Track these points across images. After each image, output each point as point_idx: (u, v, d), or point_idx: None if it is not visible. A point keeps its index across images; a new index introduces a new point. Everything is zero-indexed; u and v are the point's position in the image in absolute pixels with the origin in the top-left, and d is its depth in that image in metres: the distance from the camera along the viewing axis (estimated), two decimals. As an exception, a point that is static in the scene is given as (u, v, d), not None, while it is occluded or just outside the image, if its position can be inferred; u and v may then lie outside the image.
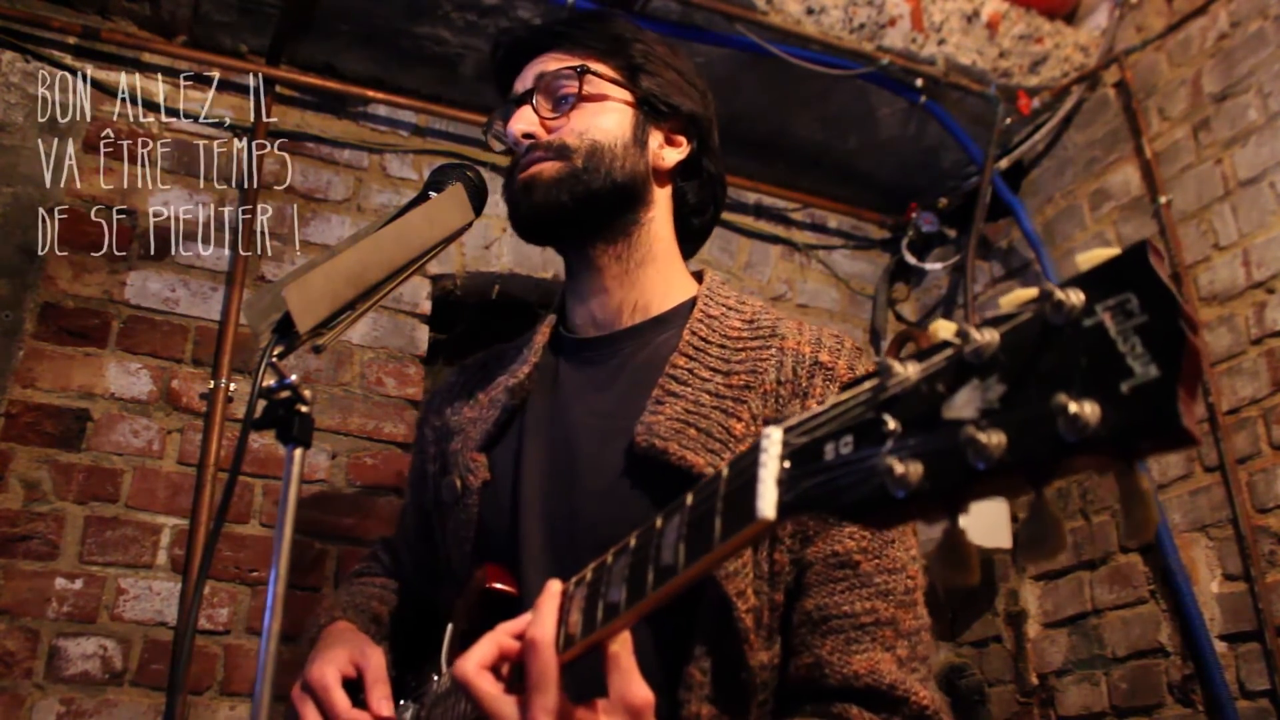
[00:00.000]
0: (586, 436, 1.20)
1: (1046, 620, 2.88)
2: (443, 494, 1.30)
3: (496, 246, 2.86)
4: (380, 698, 1.16)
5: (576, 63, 1.28)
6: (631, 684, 0.82)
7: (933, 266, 3.32)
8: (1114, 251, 0.49)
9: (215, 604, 2.32)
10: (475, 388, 1.39)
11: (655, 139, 1.30)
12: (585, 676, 0.85)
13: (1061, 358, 0.49)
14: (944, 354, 0.55)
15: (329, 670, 1.17)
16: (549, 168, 1.24)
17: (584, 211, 1.25)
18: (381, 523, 2.49)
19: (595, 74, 1.27)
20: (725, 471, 0.68)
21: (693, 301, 1.27)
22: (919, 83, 2.95)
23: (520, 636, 0.87)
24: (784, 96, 2.98)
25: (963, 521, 0.55)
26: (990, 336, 0.52)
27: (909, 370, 0.56)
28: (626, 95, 1.29)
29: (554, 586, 0.87)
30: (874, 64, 2.87)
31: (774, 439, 0.63)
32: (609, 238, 1.28)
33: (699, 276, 1.34)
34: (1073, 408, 0.46)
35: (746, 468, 0.65)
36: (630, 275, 1.28)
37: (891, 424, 0.55)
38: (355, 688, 1.18)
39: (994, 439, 0.49)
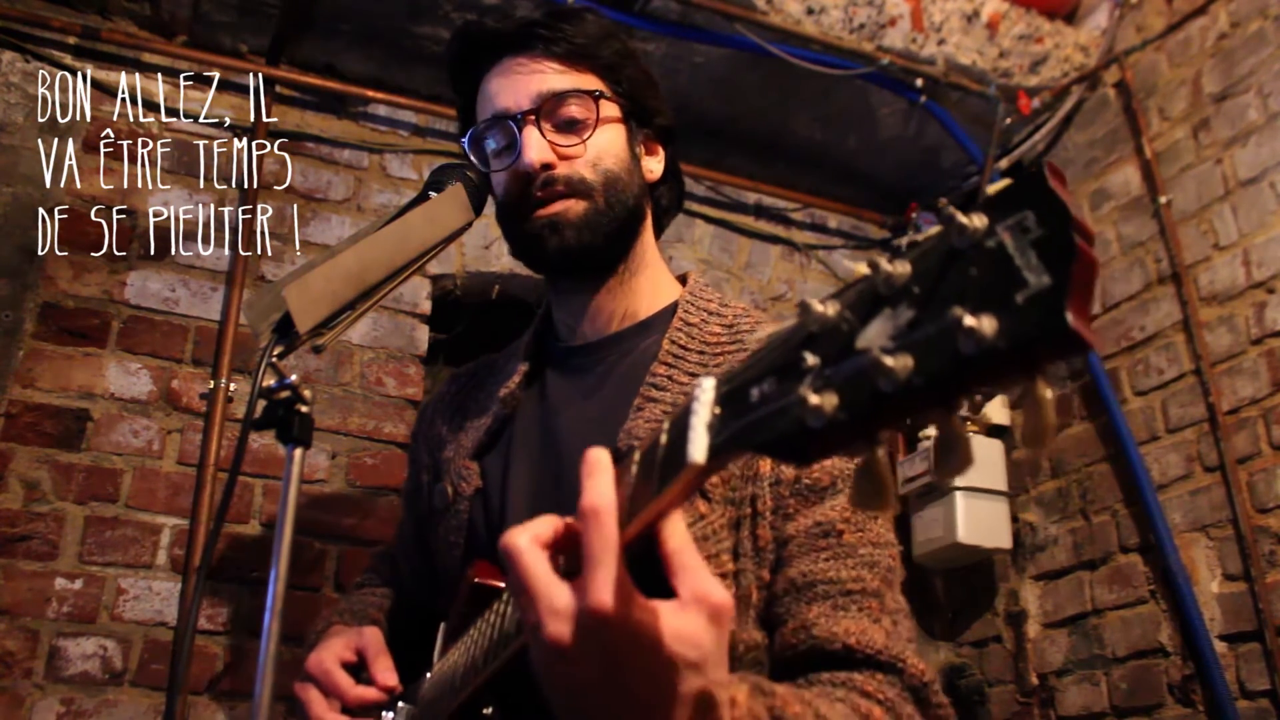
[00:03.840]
0: (573, 443, 1.21)
1: (1046, 620, 2.88)
2: (435, 501, 1.31)
3: (496, 246, 2.86)
4: (383, 669, 1.16)
5: (589, 84, 1.24)
6: (707, 579, 0.71)
7: (933, 266, 3.32)
8: (1013, 179, 0.51)
9: (215, 604, 2.32)
10: (467, 397, 1.40)
11: (639, 151, 1.30)
12: None
13: (963, 278, 0.50)
14: (857, 288, 0.57)
15: (326, 656, 1.18)
16: (575, 207, 1.21)
17: (612, 248, 1.24)
18: (381, 523, 2.49)
19: (606, 97, 1.24)
20: (665, 425, 0.70)
21: (675, 305, 1.27)
22: (919, 83, 2.95)
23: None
24: (784, 96, 2.98)
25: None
26: (901, 267, 0.54)
27: (827, 308, 0.57)
28: (618, 111, 1.27)
29: (602, 456, 0.74)
30: (874, 64, 2.87)
31: (706, 388, 0.65)
32: (614, 260, 1.28)
33: (684, 279, 1.34)
34: (968, 321, 0.48)
35: (681, 418, 0.67)
36: (623, 286, 1.28)
37: (810, 360, 0.57)
38: (357, 673, 1.18)
39: (901, 362, 0.51)
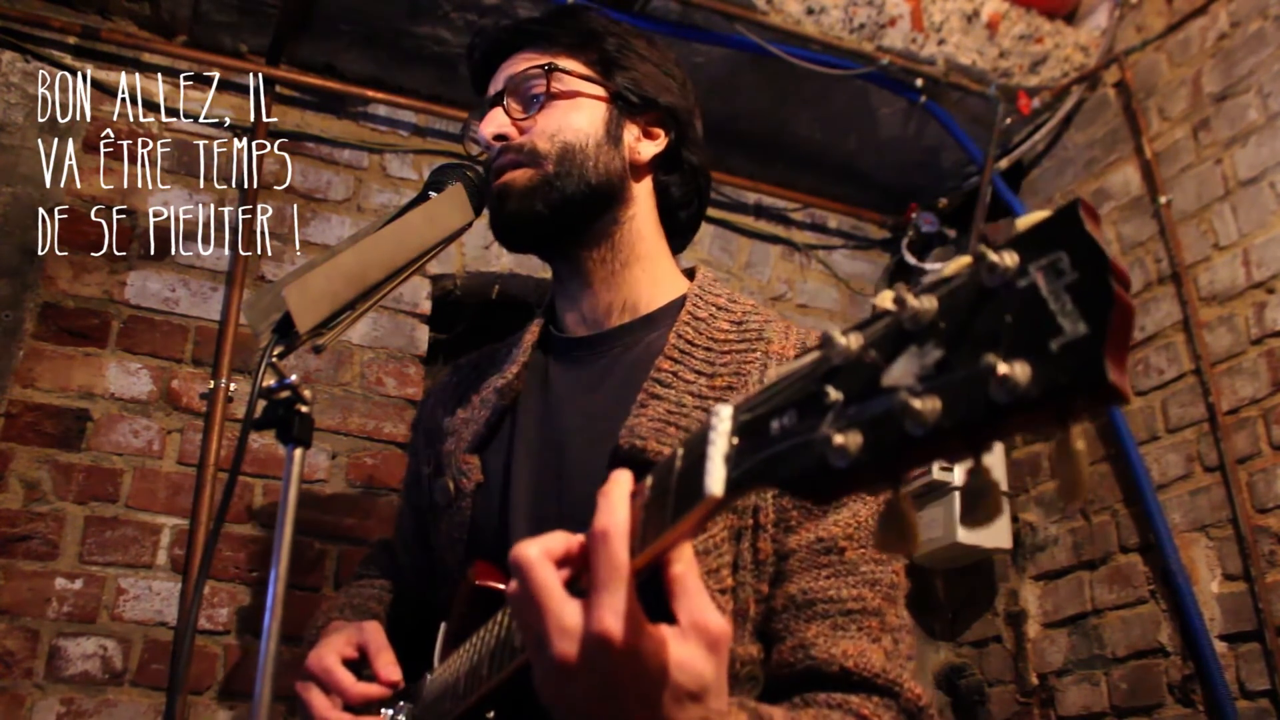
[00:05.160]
0: (575, 438, 1.20)
1: (1046, 620, 2.88)
2: (435, 496, 1.30)
3: (496, 246, 2.85)
4: (386, 664, 1.15)
5: (545, 61, 1.27)
6: (706, 607, 0.71)
7: (933, 266, 3.32)
8: (1048, 213, 0.49)
9: (215, 604, 2.32)
10: (467, 388, 1.39)
11: (630, 133, 1.28)
12: None
13: (995, 320, 0.49)
14: (883, 323, 0.55)
15: (327, 654, 1.17)
16: (521, 175, 1.23)
17: (562, 219, 1.24)
18: (381, 523, 2.49)
19: (564, 71, 1.26)
20: (680, 450, 0.68)
21: (683, 300, 1.26)
22: (919, 83, 2.95)
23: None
24: (784, 96, 2.98)
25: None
26: (928, 303, 0.52)
27: (850, 341, 0.55)
28: (599, 90, 1.27)
29: (622, 477, 0.74)
30: (874, 64, 2.87)
31: (723, 416, 0.64)
32: (591, 241, 1.27)
33: (692, 273, 1.32)
34: (1002, 369, 0.46)
35: (697, 445, 0.65)
36: (616, 276, 1.27)
37: (833, 395, 0.55)
38: (358, 669, 1.17)
39: (929, 405, 0.49)
